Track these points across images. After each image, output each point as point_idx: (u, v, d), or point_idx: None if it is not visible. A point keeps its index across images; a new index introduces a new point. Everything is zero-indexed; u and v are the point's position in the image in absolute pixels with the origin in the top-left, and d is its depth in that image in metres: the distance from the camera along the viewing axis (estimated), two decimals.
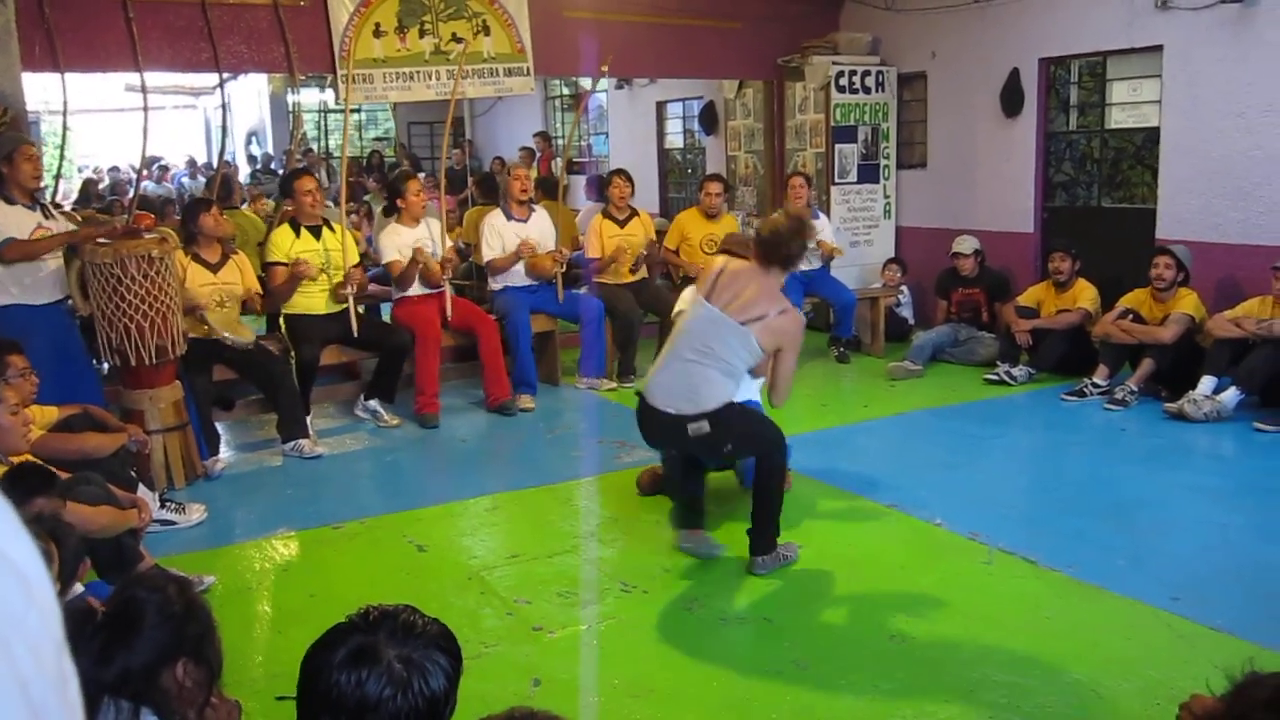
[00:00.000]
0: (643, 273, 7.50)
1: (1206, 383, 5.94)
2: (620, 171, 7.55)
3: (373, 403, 6.33)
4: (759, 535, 4.02)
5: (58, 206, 6.22)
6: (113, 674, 1.83)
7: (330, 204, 7.55)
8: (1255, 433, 5.64)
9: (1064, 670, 3.20)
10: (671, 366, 4.06)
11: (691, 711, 3.06)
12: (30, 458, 3.63)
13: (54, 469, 3.66)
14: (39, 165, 5.18)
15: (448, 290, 6.58)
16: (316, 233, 6.16)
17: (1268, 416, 5.70)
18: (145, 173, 10.68)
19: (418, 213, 6.55)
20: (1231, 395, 5.84)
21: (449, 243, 6.75)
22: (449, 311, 6.54)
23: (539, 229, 7.02)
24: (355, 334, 6.14)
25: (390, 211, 6.74)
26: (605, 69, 7.40)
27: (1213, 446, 5.62)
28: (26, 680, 0.62)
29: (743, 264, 4.16)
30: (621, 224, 7.39)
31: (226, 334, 5.45)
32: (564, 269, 7.04)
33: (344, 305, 6.15)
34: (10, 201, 4.98)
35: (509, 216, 6.96)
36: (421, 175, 10.53)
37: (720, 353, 3.95)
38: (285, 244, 6.07)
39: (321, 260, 6.10)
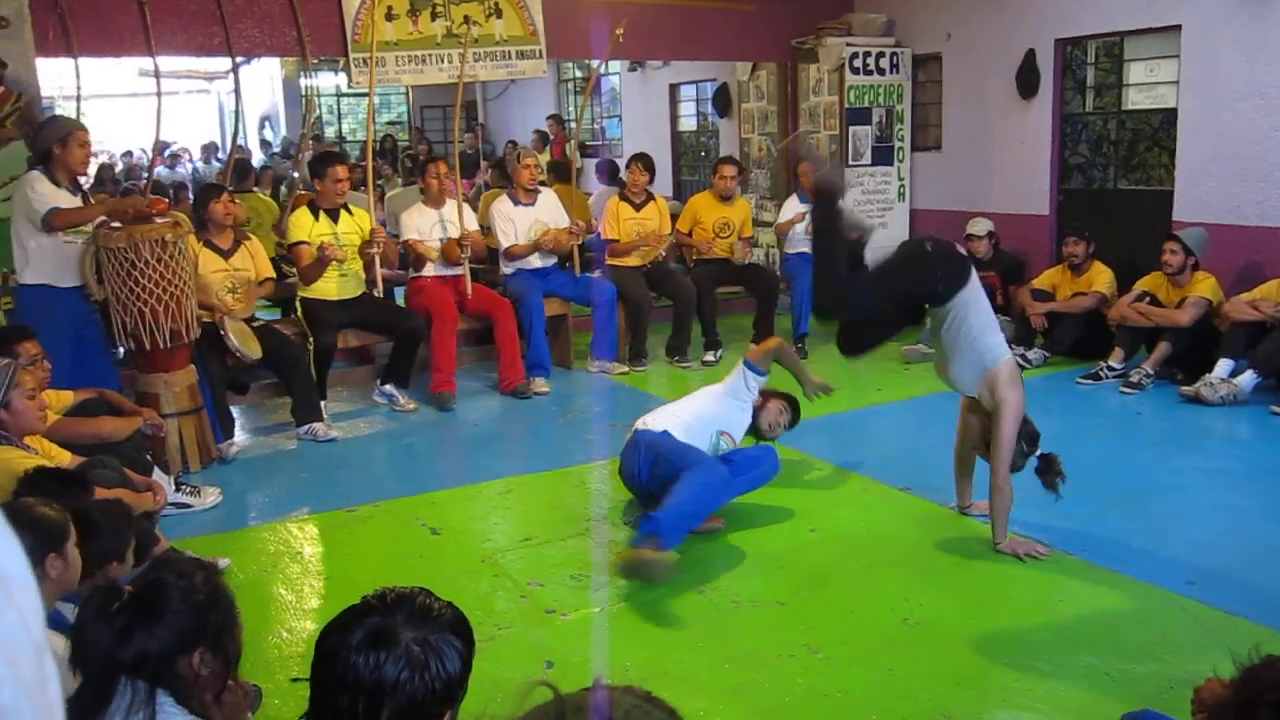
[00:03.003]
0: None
1: (1223, 366, 5.90)
2: (639, 158, 7.52)
3: (388, 387, 6.34)
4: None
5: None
6: (130, 655, 1.84)
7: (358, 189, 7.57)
8: (1272, 416, 5.60)
9: (1077, 655, 3.19)
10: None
11: (703, 694, 3.07)
12: (44, 441, 3.65)
13: (68, 452, 3.69)
14: (89, 151, 5.35)
15: (467, 271, 6.58)
16: (334, 216, 6.17)
17: None
18: (159, 158, 10.68)
19: (438, 195, 6.58)
20: (1248, 378, 5.80)
21: (472, 224, 6.75)
22: (469, 291, 6.55)
23: (547, 211, 7.02)
24: (379, 293, 6.16)
25: (424, 190, 6.79)
26: (620, 33, 7.34)
27: (1229, 430, 5.58)
28: None
29: None
30: (638, 207, 7.38)
31: (238, 345, 5.46)
32: (581, 240, 7.04)
33: (360, 290, 6.17)
34: (55, 183, 5.09)
35: (516, 202, 6.96)
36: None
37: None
38: (306, 225, 6.09)
39: (338, 244, 6.12)
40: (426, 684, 1.56)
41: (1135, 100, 7.59)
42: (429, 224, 6.59)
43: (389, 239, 6.45)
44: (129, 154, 16.74)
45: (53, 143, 5.07)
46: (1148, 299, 6.41)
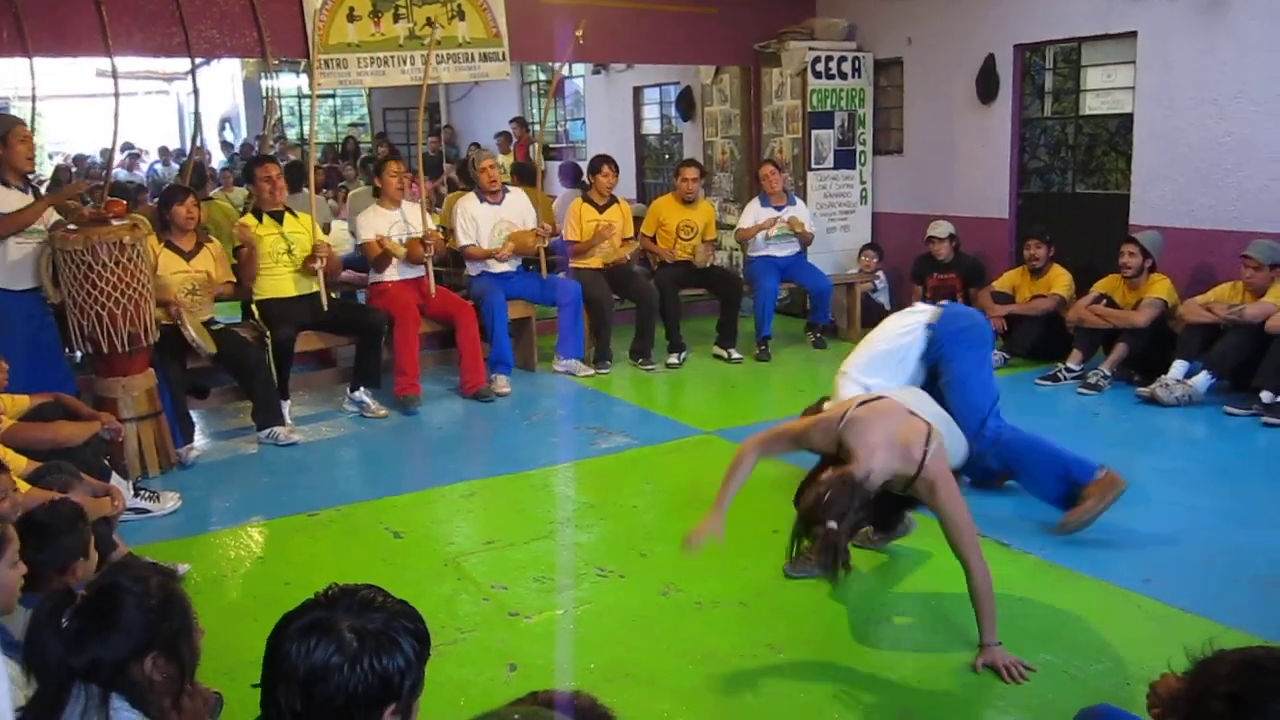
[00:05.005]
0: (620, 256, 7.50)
1: (1178, 367, 6.00)
2: (608, 159, 7.53)
3: (359, 393, 6.29)
4: None
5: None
6: (83, 662, 1.82)
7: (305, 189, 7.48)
8: (1226, 417, 5.69)
9: (1036, 652, 3.22)
10: None
11: (667, 695, 3.07)
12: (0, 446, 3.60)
13: (24, 458, 3.64)
14: (33, 146, 5.24)
15: (430, 270, 6.55)
16: (279, 218, 6.13)
17: (1238, 401, 5.76)
18: (122, 159, 10.58)
19: (395, 195, 6.55)
20: (1203, 379, 5.89)
21: (431, 224, 6.73)
22: (433, 289, 6.52)
23: (515, 210, 7.00)
24: (325, 308, 6.11)
25: (378, 191, 6.75)
26: (580, 34, 7.33)
27: (1184, 430, 5.67)
28: None
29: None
30: (601, 209, 7.38)
31: (196, 338, 5.40)
32: (546, 244, 7.03)
33: (315, 287, 6.12)
34: (3, 184, 4.99)
35: (482, 199, 6.94)
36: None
37: None
38: (239, 223, 6.06)
39: (283, 244, 6.07)
40: (359, 675, 1.53)
41: (1093, 105, 7.69)
42: (386, 224, 6.55)
43: (331, 251, 6.40)
44: (83, 157, 16.51)
45: None
46: (1104, 301, 6.50)
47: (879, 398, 3.43)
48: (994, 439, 4.06)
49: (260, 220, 6.08)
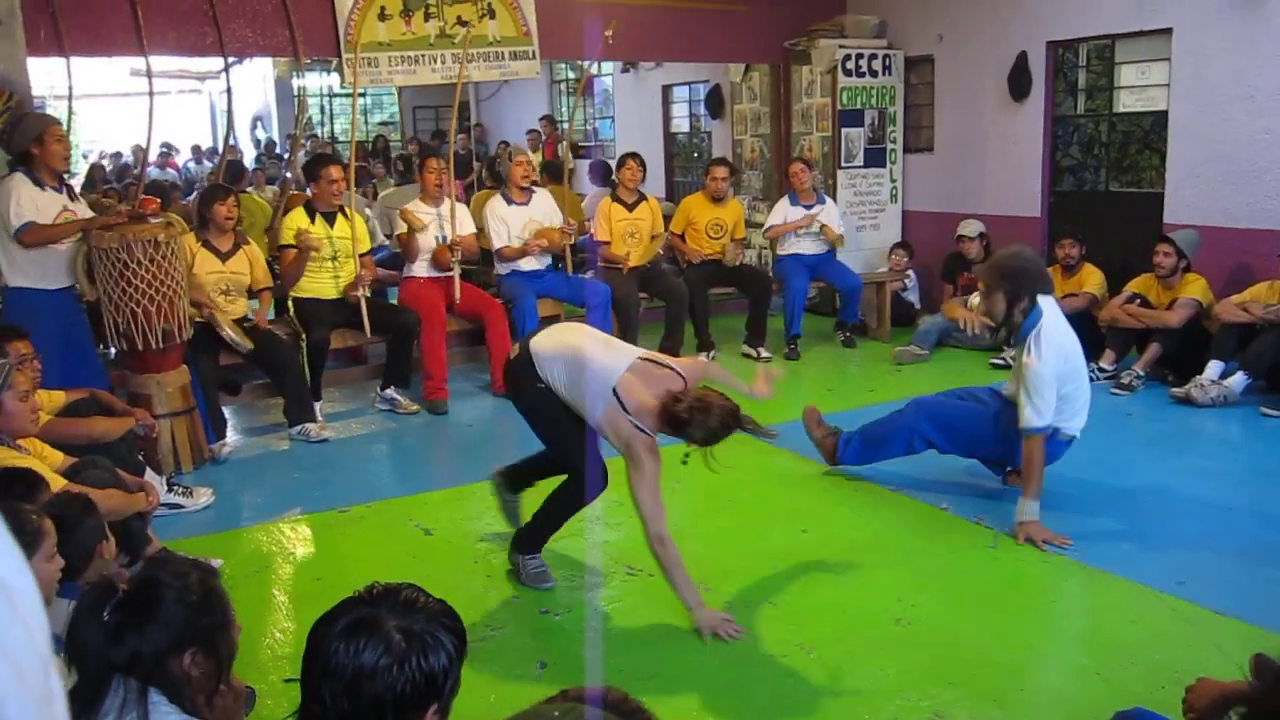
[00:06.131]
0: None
1: (1213, 367, 5.93)
2: (633, 155, 7.54)
3: (390, 391, 6.33)
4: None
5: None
6: (122, 655, 1.84)
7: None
8: (1262, 417, 5.63)
9: (1068, 654, 3.21)
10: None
11: (696, 694, 3.07)
12: (38, 442, 3.64)
13: (61, 452, 3.68)
14: (68, 145, 5.29)
15: (456, 273, 6.58)
16: (330, 220, 6.16)
17: (1274, 401, 5.69)
18: (157, 158, 10.66)
19: (433, 192, 6.58)
20: (1238, 380, 5.83)
21: (470, 228, 6.75)
22: (457, 295, 6.55)
23: (541, 210, 7.01)
24: (368, 332, 6.15)
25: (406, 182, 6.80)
26: (609, 35, 7.32)
27: (1219, 431, 5.61)
28: (4, 698, 0.61)
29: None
30: (630, 208, 7.38)
31: (234, 337, 5.47)
32: (573, 239, 7.03)
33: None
34: (39, 184, 5.03)
35: (509, 201, 6.94)
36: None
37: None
38: (299, 228, 6.08)
39: (331, 250, 6.11)
40: (407, 674, 1.56)
41: (1126, 102, 7.62)
42: (427, 220, 6.57)
43: (375, 273, 6.46)
44: (118, 154, 16.68)
45: (29, 143, 5.01)
46: (1138, 300, 6.44)
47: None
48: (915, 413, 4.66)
49: (312, 220, 6.11)
